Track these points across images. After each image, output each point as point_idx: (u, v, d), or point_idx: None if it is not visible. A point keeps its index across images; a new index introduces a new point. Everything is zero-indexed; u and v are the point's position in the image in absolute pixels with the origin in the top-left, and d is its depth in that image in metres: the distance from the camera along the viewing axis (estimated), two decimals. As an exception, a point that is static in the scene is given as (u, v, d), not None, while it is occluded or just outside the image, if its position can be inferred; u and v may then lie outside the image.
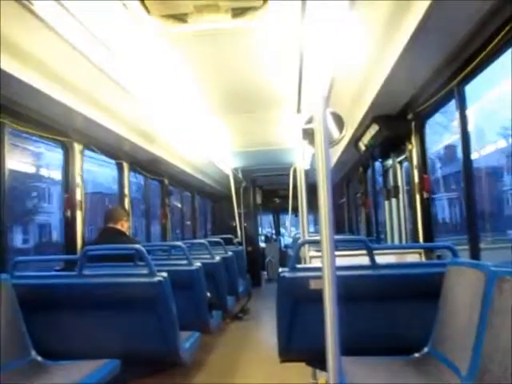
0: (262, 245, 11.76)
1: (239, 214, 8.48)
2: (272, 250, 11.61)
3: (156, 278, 2.79)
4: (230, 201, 8.09)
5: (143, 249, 2.94)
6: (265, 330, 5.96)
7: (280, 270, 2.84)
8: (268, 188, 11.80)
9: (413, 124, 3.94)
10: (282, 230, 13.99)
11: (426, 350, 2.44)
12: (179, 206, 8.73)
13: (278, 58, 3.51)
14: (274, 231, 13.50)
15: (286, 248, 11.10)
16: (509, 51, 2.50)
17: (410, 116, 3.93)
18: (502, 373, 1.65)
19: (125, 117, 4.34)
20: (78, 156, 4.28)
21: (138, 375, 2.96)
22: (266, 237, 12.58)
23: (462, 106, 3.04)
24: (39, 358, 2.71)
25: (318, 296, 2.44)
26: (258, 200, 11.08)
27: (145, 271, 2.85)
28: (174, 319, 2.85)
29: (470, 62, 2.75)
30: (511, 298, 1.71)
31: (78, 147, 4.27)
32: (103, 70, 3.12)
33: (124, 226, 4.40)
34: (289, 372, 3.66)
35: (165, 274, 2.82)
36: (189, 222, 9.39)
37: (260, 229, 12.31)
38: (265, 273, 11.17)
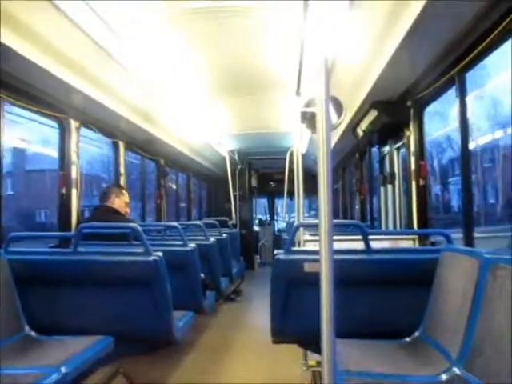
0: (256, 228, 11.79)
1: (234, 197, 8.48)
2: (266, 234, 11.66)
3: (151, 257, 2.79)
4: (225, 183, 8.09)
5: (139, 228, 2.93)
6: (257, 312, 6.02)
7: (275, 252, 2.85)
8: (263, 171, 11.80)
9: (412, 111, 3.93)
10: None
11: (416, 334, 2.47)
12: (174, 187, 8.71)
13: (279, 39, 3.49)
14: (268, 215, 13.53)
15: (280, 232, 11.14)
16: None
17: (409, 102, 3.92)
18: (494, 356, 1.68)
19: (123, 95, 4.31)
20: (74, 133, 4.25)
21: (131, 353, 2.98)
22: (260, 220, 12.61)
23: (462, 94, 3.03)
24: (33, 334, 2.72)
25: (312, 279, 2.45)
26: (254, 183, 11.09)
27: (140, 250, 2.85)
28: (169, 298, 2.86)
29: (472, 49, 2.73)
30: (505, 285, 1.72)
31: (74, 124, 4.23)
32: (103, 46, 3.09)
33: (115, 202, 4.29)
34: (280, 353, 3.71)
35: (160, 254, 2.83)
36: (184, 204, 9.38)
37: (254, 215, 12.31)
38: (258, 256, 11.22)
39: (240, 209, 9.65)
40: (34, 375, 2.08)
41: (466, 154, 3.08)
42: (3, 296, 2.63)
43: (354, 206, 7.63)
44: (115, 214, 4.25)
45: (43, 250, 3.37)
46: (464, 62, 2.87)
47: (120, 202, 4.34)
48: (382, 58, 3.23)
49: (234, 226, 8.08)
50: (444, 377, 1.95)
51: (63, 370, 2.13)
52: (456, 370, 1.93)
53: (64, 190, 4.15)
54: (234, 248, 6.62)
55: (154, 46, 3.38)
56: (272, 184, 12.09)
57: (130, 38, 3.10)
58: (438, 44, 2.90)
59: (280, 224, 13.28)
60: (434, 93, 3.51)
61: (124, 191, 4.50)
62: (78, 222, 4.18)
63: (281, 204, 13.46)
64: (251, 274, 9.26)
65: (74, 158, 4.23)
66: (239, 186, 9.94)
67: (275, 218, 13.61)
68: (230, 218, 7.94)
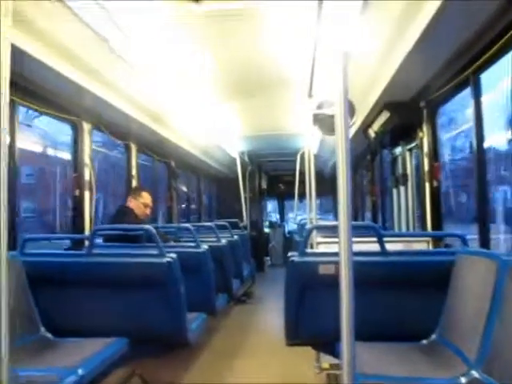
0: (267, 230, 11.77)
1: (245, 199, 8.47)
2: (276, 236, 11.63)
3: (165, 259, 2.80)
4: (235, 185, 8.08)
5: (153, 229, 2.94)
6: (268, 314, 6.00)
7: (290, 254, 2.84)
8: (273, 173, 11.79)
9: (425, 112, 3.91)
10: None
11: (433, 337, 2.45)
12: (185, 189, 8.73)
13: (290, 41, 3.48)
14: (278, 216, 13.52)
15: (291, 234, 11.12)
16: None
17: (422, 104, 3.90)
18: None
19: (134, 97, 4.33)
20: (86, 136, 4.28)
21: (145, 354, 2.98)
22: (271, 222, 12.59)
23: (477, 95, 3.02)
24: (48, 335, 2.74)
25: (326, 281, 2.46)
26: (264, 185, 11.07)
27: (154, 252, 2.86)
28: (183, 300, 2.87)
29: (487, 50, 2.71)
30: None
31: (86, 127, 4.26)
32: (115, 49, 3.11)
33: (132, 203, 4.36)
34: (292, 355, 3.69)
35: (174, 255, 2.83)
36: (194, 206, 9.40)
37: (264, 217, 12.29)
38: (268, 258, 11.19)
39: (250, 210, 9.65)
40: (51, 377, 2.09)
41: (480, 155, 3.05)
42: (18, 297, 2.65)
43: (366, 208, 7.60)
44: (124, 214, 4.25)
45: (58, 251, 3.39)
46: (478, 63, 2.85)
47: (137, 203, 4.34)
48: (395, 59, 3.21)
49: (245, 227, 8.08)
50: (463, 380, 1.93)
51: (80, 372, 2.14)
52: (475, 373, 1.91)
53: (77, 193, 4.17)
54: (244, 250, 6.61)
55: (166, 49, 3.40)
56: (282, 186, 12.08)
57: (141, 40, 3.12)
58: (452, 45, 2.88)
59: (290, 226, 13.26)
60: (447, 94, 3.49)
61: (143, 193, 4.48)
62: (91, 223, 4.20)
63: (290, 205, 13.45)
64: (261, 276, 9.24)
65: (86, 160, 4.26)
66: (249, 188, 9.94)
67: (285, 219, 13.59)
68: (241, 220, 7.93)
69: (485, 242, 2.94)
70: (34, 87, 3.37)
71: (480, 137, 3.03)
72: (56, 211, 18.87)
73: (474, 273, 2.24)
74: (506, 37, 2.49)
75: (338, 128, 1.34)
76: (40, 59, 2.92)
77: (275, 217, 13.63)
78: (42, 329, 2.74)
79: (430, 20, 2.47)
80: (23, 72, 3.11)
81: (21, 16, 2.54)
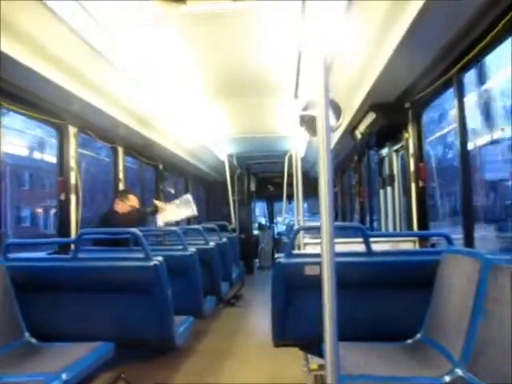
0: (256, 232, 11.77)
1: (233, 201, 8.46)
2: (265, 238, 11.62)
3: (152, 262, 2.78)
4: (223, 188, 8.07)
5: (139, 233, 2.92)
6: (258, 316, 5.99)
7: (276, 255, 2.84)
8: (262, 176, 11.79)
9: (410, 113, 3.93)
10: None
11: (418, 336, 2.46)
12: (173, 192, 8.70)
13: (277, 42, 3.49)
14: (267, 218, 13.53)
15: (280, 236, 11.13)
16: (508, 40, 2.50)
17: (407, 104, 3.92)
18: (497, 357, 1.67)
19: (121, 100, 4.31)
20: (72, 139, 4.24)
21: (132, 358, 2.96)
22: (260, 224, 12.58)
23: (460, 95, 3.04)
24: (33, 340, 2.71)
25: (313, 282, 2.45)
26: (252, 187, 11.06)
27: (140, 255, 2.84)
28: (170, 304, 2.85)
29: (470, 50, 2.74)
30: (506, 286, 1.72)
31: (72, 130, 4.23)
32: (100, 51, 3.09)
33: (119, 207, 4.38)
34: (281, 357, 3.69)
35: (160, 258, 2.82)
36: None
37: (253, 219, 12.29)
38: (257, 260, 11.18)
39: (239, 213, 9.63)
40: (35, 382, 2.07)
41: (464, 154, 3.08)
42: (2, 302, 2.62)
43: (353, 209, 7.63)
44: (111, 216, 4.26)
45: (43, 256, 3.36)
46: (461, 63, 2.87)
47: (124, 206, 4.37)
48: (380, 60, 3.23)
49: (234, 230, 8.06)
50: (447, 379, 1.94)
51: (64, 376, 2.12)
52: (459, 372, 1.92)
53: (63, 196, 4.14)
54: (233, 252, 6.60)
55: (152, 51, 3.39)
56: (271, 188, 12.09)
57: (127, 42, 3.10)
58: (436, 45, 2.91)
59: (279, 227, 13.26)
60: (432, 94, 3.51)
61: (130, 196, 4.52)
62: (77, 227, 4.17)
63: (279, 207, 13.47)
64: (251, 279, 9.21)
65: (72, 163, 4.23)
66: (238, 191, 9.93)
67: (274, 221, 13.61)
68: (230, 223, 7.92)
69: (469, 240, 2.96)
70: (17, 91, 3.34)
71: (464, 137, 3.05)
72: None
73: (458, 272, 2.25)
74: (488, 37, 2.52)
75: (319, 128, 1.35)
76: (24, 63, 2.89)
77: (265, 220, 13.62)
78: (27, 334, 2.70)
79: (413, 20, 2.49)
80: (7, 76, 3.08)
81: (5, 20, 2.52)
